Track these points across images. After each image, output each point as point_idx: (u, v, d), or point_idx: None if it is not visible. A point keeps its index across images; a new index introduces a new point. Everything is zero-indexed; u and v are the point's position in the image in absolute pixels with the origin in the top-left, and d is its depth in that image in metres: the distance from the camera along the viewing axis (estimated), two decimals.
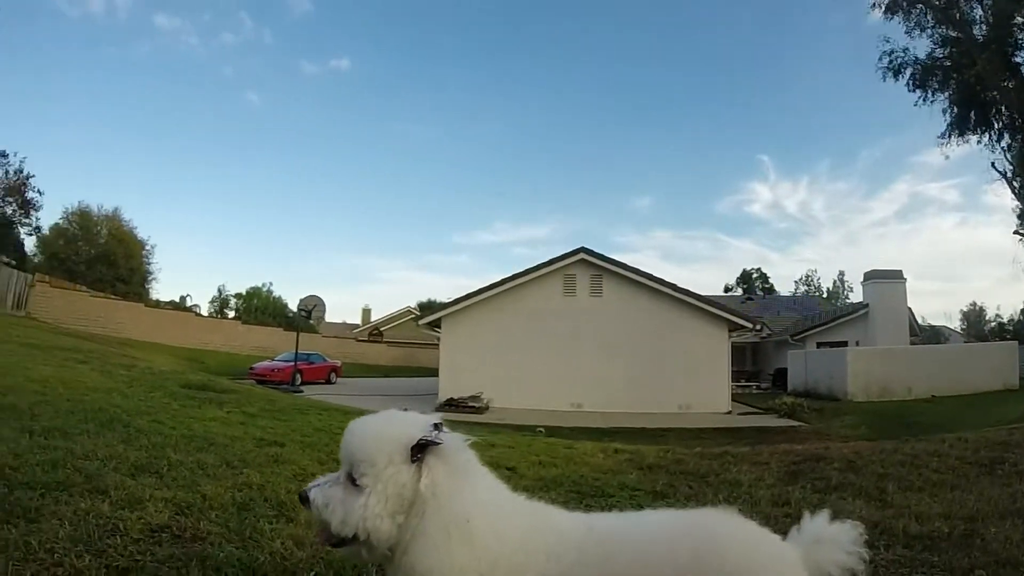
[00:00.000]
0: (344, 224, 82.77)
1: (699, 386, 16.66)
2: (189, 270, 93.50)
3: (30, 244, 34.89)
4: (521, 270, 18.15)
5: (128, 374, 7.34)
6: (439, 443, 1.28)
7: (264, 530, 2.38)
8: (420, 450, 1.28)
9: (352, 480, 1.28)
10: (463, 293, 18.63)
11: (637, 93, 67.57)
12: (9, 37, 49.30)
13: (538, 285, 17.95)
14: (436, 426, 1.33)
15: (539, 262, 18.07)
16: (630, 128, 68.78)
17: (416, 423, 1.34)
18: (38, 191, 31.97)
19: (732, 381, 18.75)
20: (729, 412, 16.55)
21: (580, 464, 4.84)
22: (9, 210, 31.11)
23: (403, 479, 1.27)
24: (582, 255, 17.67)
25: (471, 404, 15.77)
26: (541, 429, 11.00)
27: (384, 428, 1.34)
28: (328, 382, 24.53)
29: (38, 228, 34.00)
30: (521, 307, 17.80)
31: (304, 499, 1.32)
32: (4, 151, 29.94)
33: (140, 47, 58.11)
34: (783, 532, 1.32)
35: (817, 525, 1.32)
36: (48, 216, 43.75)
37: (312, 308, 23.21)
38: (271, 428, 4.99)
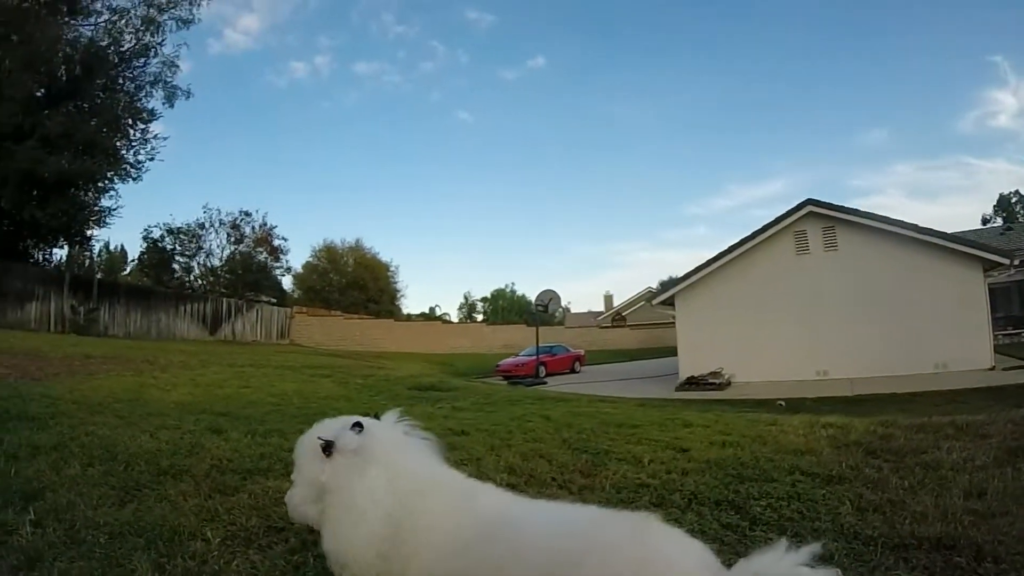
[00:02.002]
0: (577, 215, 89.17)
1: (955, 340, 15.10)
2: (436, 282, 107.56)
3: (287, 283, 43.75)
4: (748, 234, 17.77)
5: (363, 383, 8.99)
6: (336, 441, 1.58)
7: None
8: (328, 448, 1.58)
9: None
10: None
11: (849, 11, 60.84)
12: (234, 114, 61.90)
13: (767, 247, 17.55)
14: (354, 426, 1.62)
15: (764, 223, 17.58)
16: (846, 55, 62.70)
17: (333, 426, 1.65)
18: (283, 238, 38.83)
19: (994, 330, 16.64)
20: (992, 368, 14.85)
21: (765, 443, 4.77)
22: (262, 258, 38.48)
23: (314, 473, 1.60)
24: (810, 207, 16.98)
25: (711, 381, 16.07)
26: (781, 403, 11.03)
27: (310, 433, 1.68)
28: (572, 371, 26.19)
29: (289, 268, 41.45)
30: (752, 273, 17.53)
31: None
32: (248, 211, 37.36)
33: (348, 96, 68.57)
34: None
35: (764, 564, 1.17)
36: (298, 256, 55.19)
37: (548, 302, 24.96)
38: (468, 420, 5.79)
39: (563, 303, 27.59)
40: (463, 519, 1.43)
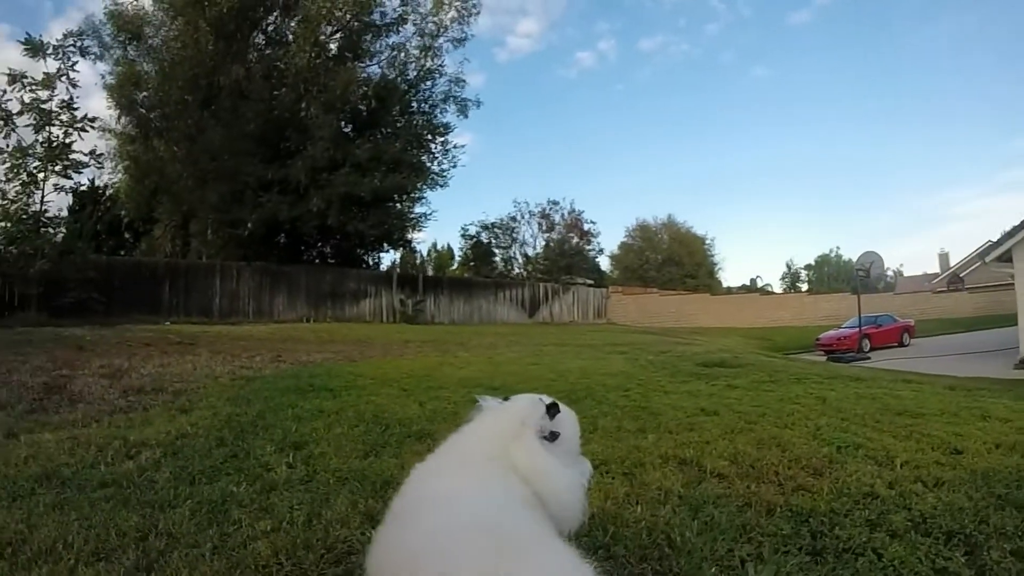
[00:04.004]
0: (899, 164, 77.89)
1: None
2: (757, 252, 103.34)
3: (604, 263, 46.76)
4: None
5: (653, 359, 9.05)
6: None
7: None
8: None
9: None
10: None
11: None
12: (531, 111, 67.05)
13: None
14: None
15: None
16: None
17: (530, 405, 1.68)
18: (591, 221, 42.26)
19: None
20: None
21: None
22: (574, 242, 42.11)
23: None
24: None
25: None
26: None
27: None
28: (900, 344, 23.98)
29: (601, 250, 44.74)
30: None
31: None
32: (555, 200, 41.20)
33: (639, 74, 70.04)
34: None
35: None
36: (612, 237, 58.24)
37: (869, 265, 23.02)
38: (730, 399, 5.55)
39: (891, 266, 24.57)
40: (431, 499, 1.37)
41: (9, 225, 15.28)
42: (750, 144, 79.16)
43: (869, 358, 18.41)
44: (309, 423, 4.42)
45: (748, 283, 61.77)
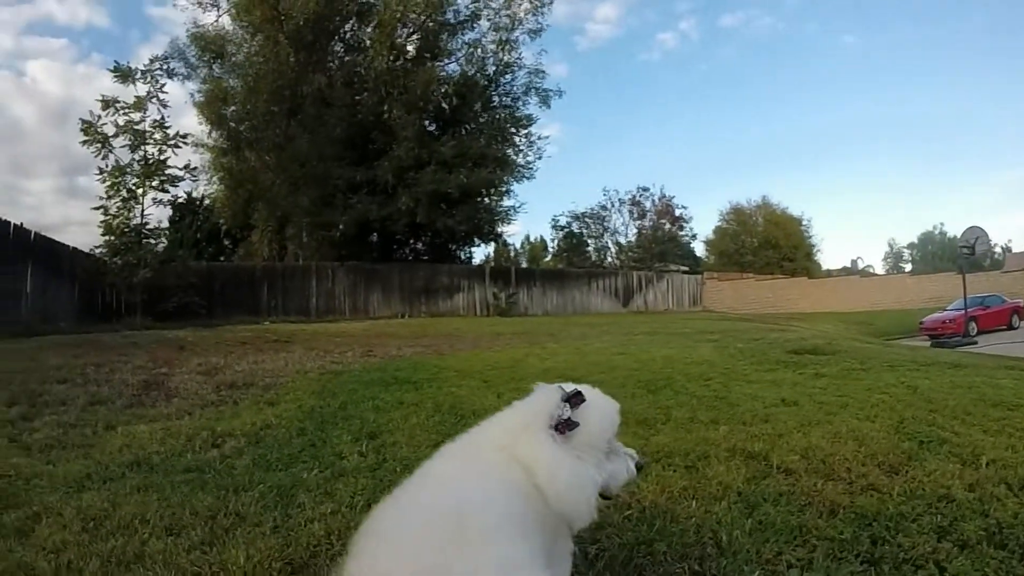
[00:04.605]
0: (1006, 132, 72.12)
1: None
2: (856, 232, 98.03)
3: (700, 249, 45.83)
4: None
5: (743, 347, 8.74)
6: None
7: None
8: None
9: None
10: None
11: None
12: (616, 98, 66.72)
13: None
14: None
15: None
16: None
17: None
18: (683, 207, 42.06)
19: None
20: None
21: None
22: (666, 228, 41.60)
23: None
24: None
25: None
26: None
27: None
28: (1010, 327, 22.71)
29: (694, 236, 44.52)
30: None
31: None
32: (645, 186, 41.16)
33: (722, 52, 68.01)
34: None
35: None
36: (706, 222, 56.80)
37: (974, 241, 21.20)
38: (815, 388, 5.26)
39: (998, 242, 22.77)
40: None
41: (113, 238, 16.76)
42: (844, 118, 75.13)
43: (976, 342, 17.25)
44: (387, 414, 4.55)
45: (848, 265, 58.91)
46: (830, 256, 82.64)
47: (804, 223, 47.69)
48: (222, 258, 30.45)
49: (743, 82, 71.10)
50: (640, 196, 41.74)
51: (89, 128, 16.57)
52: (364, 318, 21.78)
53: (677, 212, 42.03)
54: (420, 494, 1.31)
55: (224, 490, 2.87)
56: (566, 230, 43.38)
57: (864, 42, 66.33)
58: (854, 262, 59.95)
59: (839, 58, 68.17)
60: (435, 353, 9.32)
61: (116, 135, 16.77)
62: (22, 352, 7.95)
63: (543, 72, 28.07)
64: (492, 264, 32.69)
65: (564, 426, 1.47)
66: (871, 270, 54.60)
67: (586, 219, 42.57)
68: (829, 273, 48.37)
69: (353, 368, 7.34)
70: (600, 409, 1.59)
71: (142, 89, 17.09)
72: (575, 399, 1.51)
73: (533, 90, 28.04)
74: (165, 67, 17.98)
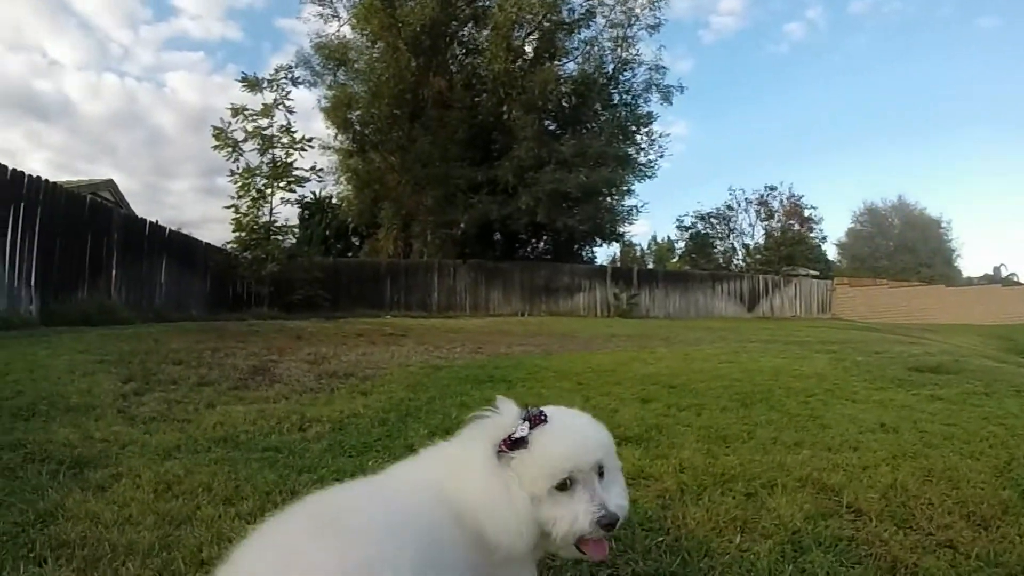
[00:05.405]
0: None
1: None
2: (1000, 237, 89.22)
3: (832, 252, 43.25)
4: None
5: (861, 360, 8.17)
6: None
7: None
8: None
9: None
10: None
11: None
12: (743, 93, 63.62)
13: None
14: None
15: None
16: None
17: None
18: (812, 207, 40.24)
19: None
20: None
21: None
22: (795, 228, 39.62)
23: None
24: None
25: None
26: None
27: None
28: None
29: (824, 238, 42.28)
30: None
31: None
32: (773, 185, 39.36)
33: (854, 41, 64.15)
34: None
35: None
36: (839, 223, 53.34)
37: None
38: (922, 413, 4.78)
39: None
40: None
41: (243, 234, 18.45)
42: (986, 110, 67.10)
43: None
44: (470, 411, 4.60)
45: (991, 272, 52.98)
46: (971, 262, 75.15)
47: (943, 225, 44.78)
48: (350, 254, 32.28)
49: (875, 72, 65.90)
50: (767, 196, 40.40)
51: (220, 134, 18.33)
52: (484, 315, 22.47)
53: (806, 212, 40.37)
54: (308, 507, 1.23)
55: (291, 470, 3.07)
56: (691, 230, 42.33)
57: (1005, 24, 59.51)
58: (997, 269, 53.87)
59: (977, 42, 61.62)
60: (544, 353, 9.37)
61: (245, 140, 18.40)
62: (149, 335, 8.73)
63: (664, 68, 27.71)
64: (617, 264, 32.40)
65: (510, 444, 1.38)
66: (1015, 279, 48.94)
67: (711, 219, 41.38)
68: (970, 281, 44.17)
69: (455, 364, 7.49)
70: (563, 437, 1.41)
71: (269, 97, 18.65)
72: (536, 419, 1.41)
73: (654, 87, 27.76)
74: (290, 76, 19.52)
